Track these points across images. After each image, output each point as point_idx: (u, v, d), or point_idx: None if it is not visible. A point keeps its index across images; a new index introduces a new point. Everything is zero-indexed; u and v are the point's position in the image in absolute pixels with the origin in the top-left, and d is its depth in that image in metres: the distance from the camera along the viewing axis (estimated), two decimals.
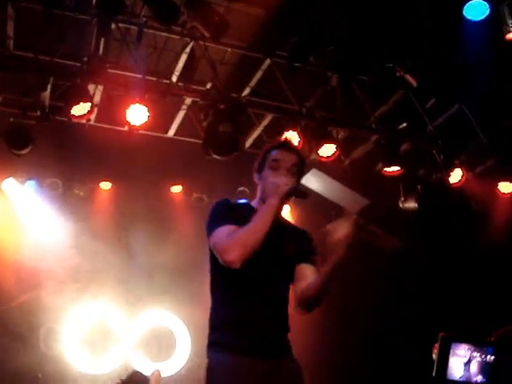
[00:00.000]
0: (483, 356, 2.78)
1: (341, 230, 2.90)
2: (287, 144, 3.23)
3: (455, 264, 8.65)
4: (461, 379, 2.61)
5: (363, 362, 9.38)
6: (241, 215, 3.01)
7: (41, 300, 8.94)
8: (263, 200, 3.09)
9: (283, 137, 3.40)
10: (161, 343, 10.09)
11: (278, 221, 3.09)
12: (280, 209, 3.06)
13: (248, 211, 3.08)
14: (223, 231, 2.93)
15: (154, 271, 9.59)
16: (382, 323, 9.10)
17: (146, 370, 9.20)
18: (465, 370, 2.75)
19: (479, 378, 2.77)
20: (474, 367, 2.79)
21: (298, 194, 3.05)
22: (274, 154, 3.14)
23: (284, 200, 3.00)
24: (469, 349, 2.81)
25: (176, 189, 9.74)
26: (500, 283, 8.02)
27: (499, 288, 8.01)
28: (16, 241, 8.87)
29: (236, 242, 2.85)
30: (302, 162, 3.20)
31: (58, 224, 9.19)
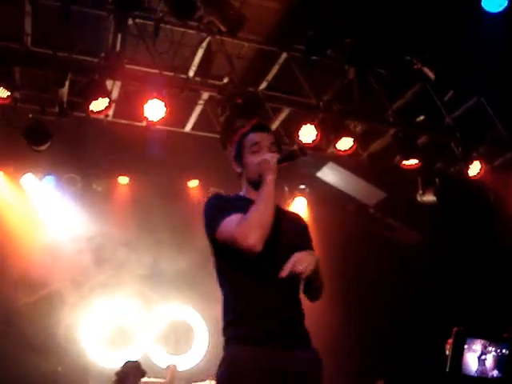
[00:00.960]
0: (498, 351, 2.76)
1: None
2: (260, 125, 3.22)
3: (474, 258, 8.60)
4: (475, 374, 2.59)
5: (379, 357, 9.37)
6: (236, 205, 3.00)
7: (61, 295, 9.03)
8: (253, 185, 3.09)
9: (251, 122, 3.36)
10: (179, 337, 10.15)
11: (277, 209, 3.07)
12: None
13: (240, 201, 3.08)
14: (231, 221, 2.90)
15: (172, 266, 9.63)
16: (399, 319, 9.08)
17: (165, 363, 9.28)
18: (479, 364, 2.72)
19: (495, 373, 2.75)
20: (489, 362, 2.77)
21: (288, 157, 3.05)
22: (251, 137, 3.12)
23: (276, 170, 2.98)
24: (483, 344, 2.79)
25: (193, 183, 9.77)
26: None
27: None
28: (35, 236, 8.95)
29: (252, 225, 2.83)
30: (278, 142, 3.19)
31: (76, 219, 9.26)
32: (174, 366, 8.80)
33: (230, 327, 2.99)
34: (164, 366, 9.14)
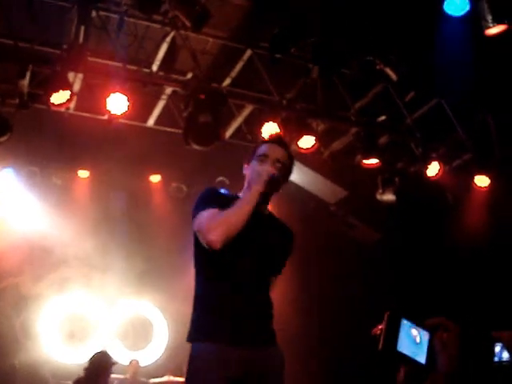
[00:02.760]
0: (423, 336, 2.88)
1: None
2: (276, 139, 3.35)
3: (427, 257, 8.74)
4: (409, 352, 2.69)
5: (332, 355, 9.51)
6: (226, 203, 3.06)
7: (18, 289, 8.91)
8: (249, 189, 3.16)
9: (275, 132, 3.52)
10: (138, 332, 10.11)
11: (266, 214, 3.23)
12: (262, 197, 3.09)
13: (229, 199, 3.14)
14: (207, 213, 3.00)
15: (132, 260, 9.59)
16: (356, 312, 9.18)
17: (124, 359, 9.23)
18: (413, 344, 2.84)
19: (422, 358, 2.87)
20: (421, 344, 2.89)
21: (274, 183, 3.11)
22: (264, 147, 3.23)
23: (266, 187, 3.06)
24: (415, 329, 2.92)
25: (155, 178, 9.73)
26: (469, 278, 8.12)
27: (468, 282, 8.11)
28: None
29: (218, 222, 2.94)
30: (290, 159, 3.27)
31: (35, 212, 9.15)
32: (137, 361, 8.78)
33: (197, 319, 3.04)
34: (124, 362, 9.09)
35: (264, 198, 3.12)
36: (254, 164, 3.19)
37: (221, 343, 2.92)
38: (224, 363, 2.89)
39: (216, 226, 2.93)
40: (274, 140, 3.31)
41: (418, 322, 2.37)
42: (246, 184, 3.23)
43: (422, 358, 2.39)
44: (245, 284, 3.05)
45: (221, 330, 2.95)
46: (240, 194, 3.24)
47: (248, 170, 3.23)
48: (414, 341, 2.36)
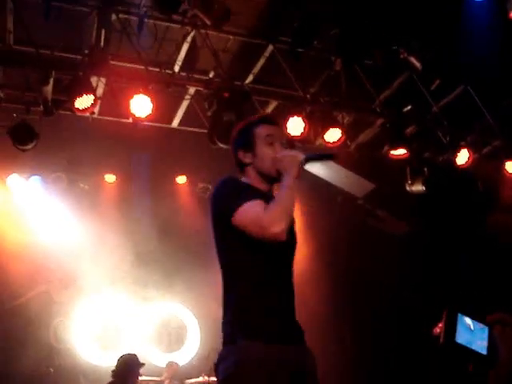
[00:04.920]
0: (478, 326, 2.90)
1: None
2: (272, 118, 3.20)
3: (461, 247, 8.63)
4: (466, 343, 2.72)
5: (370, 345, 9.42)
6: (252, 194, 2.94)
7: (50, 295, 8.96)
8: (263, 177, 3.05)
9: (259, 114, 3.35)
10: (171, 334, 10.13)
11: None
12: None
13: (252, 190, 3.01)
14: (257, 206, 2.84)
15: (162, 263, 9.60)
16: (387, 307, 9.10)
17: (160, 361, 9.26)
18: (469, 334, 2.87)
19: (483, 344, 2.86)
20: (477, 332, 2.90)
21: (318, 157, 3.02)
22: (265, 129, 3.09)
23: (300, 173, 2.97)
24: (472, 320, 2.92)
25: (181, 179, 9.71)
26: (507, 268, 7.98)
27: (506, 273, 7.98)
28: (22, 237, 8.86)
29: (280, 213, 2.80)
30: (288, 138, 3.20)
31: (63, 218, 9.19)
32: (176, 363, 8.79)
33: (239, 320, 2.90)
34: (158, 364, 9.12)
35: (274, 179, 3.04)
36: (265, 149, 3.04)
37: (265, 342, 2.82)
38: (269, 363, 2.80)
39: (279, 216, 2.78)
40: (267, 120, 3.15)
41: (474, 316, 2.38)
42: (253, 172, 3.08)
43: (482, 349, 2.40)
44: (281, 279, 2.97)
45: (268, 329, 2.86)
46: (246, 181, 3.09)
47: (255, 158, 3.06)
48: (468, 329, 2.38)
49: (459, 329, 2.53)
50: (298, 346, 2.94)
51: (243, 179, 3.12)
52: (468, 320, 2.63)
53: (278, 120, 3.21)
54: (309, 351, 3.01)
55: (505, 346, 2.20)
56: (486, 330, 2.67)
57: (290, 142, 3.14)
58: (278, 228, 2.76)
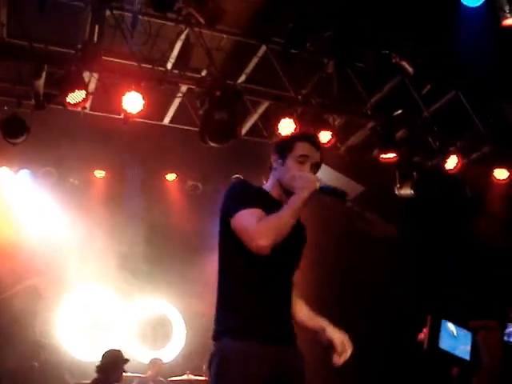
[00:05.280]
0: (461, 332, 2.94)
1: None
2: (316, 141, 3.25)
3: (448, 249, 8.68)
4: (449, 348, 2.76)
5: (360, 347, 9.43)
6: (260, 200, 3.00)
7: (37, 289, 8.94)
8: (283, 189, 3.10)
9: (311, 132, 3.42)
10: (157, 331, 10.13)
11: None
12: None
13: (264, 196, 3.08)
14: (253, 215, 2.90)
15: (149, 259, 9.60)
16: (376, 310, 9.13)
17: (144, 357, 9.26)
18: (452, 339, 2.91)
19: (465, 349, 2.90)
20: (460, 339, 2.93)
21: (331, 192, 3.04)
22: (304, 147, 3.13)
23: (311, 197, 2.97)
24: (455, 326, 2.96)
25: (171, 176, 9.72)
26: (493, 272, 8.05)
27: (492, 277, 8.04)
28: (10, 231, 8.83)
29: (269, 228, 2.84)
30: (321, 161, 3.21)
31: (52, 213, 9.17)
32: (160, 360, 8.79)
33: (230, 322, 2.96)
34: (144, 361, 9.11)
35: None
36: (293, 165, 3.09)
37: (256, 341, 2.87)
38: (260, 362, 2.85)
39: (266, 231, 2.83)
40: (313, 141, 3.20)
41: (458, 322, 2.43)
42: (273, 179, 3.16)
43: (465, 354, 2.45)
44: (277, 282, 3.02)
45: (256, 328, 2.91)
46: (266, 187, 3.17)
47: (281, 167, 3.13)
48: (452, 335, 2.43)
49: (443, 335, 2.56)
50: (286, 348, 2.98)
51: (264, 184, 3.22)
52: (451, 326, 2.66)
53: (320, 146, 3.25)
54: (298, 354, 3.06)
55: (488, 351, 2.24)
56: (470, 335, 2.70)
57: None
58: (263, 242, 2.82)
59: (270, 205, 2.98)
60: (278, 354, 2.91)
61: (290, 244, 2.99)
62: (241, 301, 2.97)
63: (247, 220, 2.88)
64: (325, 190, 3.01)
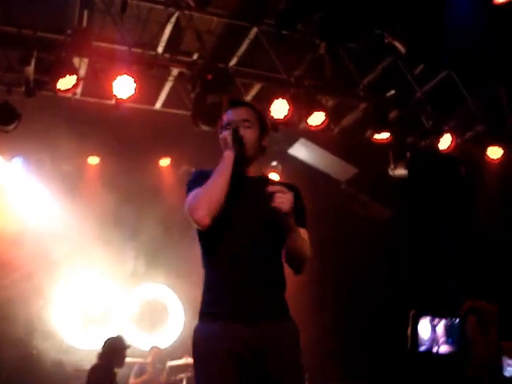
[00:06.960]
0: (449, 321, 2.90)
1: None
2: (233, 102, 3.32)
3: (442, 222, 8.70)
4: (428, 344, 2.75)
5: (341, 330, 9.51)
6: (206, 180, 3.04)
7: (34, 276, 8.93)
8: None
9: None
10: (154, 316, 10.15)
11: (254, 177, 3.16)
12: (238, 159, 3.06)
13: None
14: (192, 195, 2.99)
15: (145, 245, 9.60)
16: (370, 291, 9.15)
17: (144, 344, 9.28)
18: (431, 333, 2.89)
19: (446, 340, 2.88)
20: (440, 330, 2.89)
21: (240, 139, 3.07)
22: (226, 115, 3.22)
23: (236, 148, 3.03)
24: (431, 319, 2.93)
25: (164, 161, 9.68)
26: (484, 252, 8.07)
27: (485, 258, 8.06)
28: (4, 219, 8.80)
29: (200, 199, 2.92)
30: (258, 112, 3.25)
31: (46, 200, 9.14)
32: (158, 348, 8.82)
33: (201, 302, 3.05)
34: (144, 347, 9.14)
35: (242, 159, 3.09)
36: (221, 134, 3.18)
37: (220, 320, 2.90)
38: (221, 339, 2.87)
39: (198, 203, 2.91)
40: (231, 104, 3.28)
41: (439, 313, 2.40)
42: None
43: (443, 349, 2.43)
44: (242, 256, 2.96)
45: (219, 307, 2.93)
46: None
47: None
48: (432, 331, 2.41)
49: (421, 336, 2.55)
50: (260, 323, 2.90)
51: None
52: (431, 321, 2.63)
53: (239, 101, 3.40)
54: (283, 328, 2.98)
55: (481, 336, 2.19)
56: (457, 324, 2.65)
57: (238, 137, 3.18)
58: (197, 215, 2.90)
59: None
60: (242, 330, 2.86)
61: (248, 216, 2.99)
62: (207, 281, 3.05)
63: (187, 201, 2.99)
64: (234, 141, 3.06)
